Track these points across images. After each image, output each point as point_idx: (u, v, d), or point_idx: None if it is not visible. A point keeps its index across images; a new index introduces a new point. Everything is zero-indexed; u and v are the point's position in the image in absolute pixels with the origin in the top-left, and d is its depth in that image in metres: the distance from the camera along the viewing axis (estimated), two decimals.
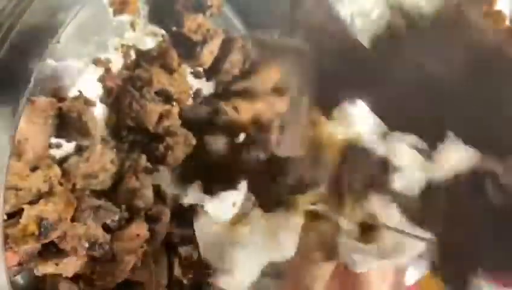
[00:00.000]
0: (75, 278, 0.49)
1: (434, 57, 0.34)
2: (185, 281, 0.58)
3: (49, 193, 0.44)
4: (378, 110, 0.41)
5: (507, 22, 1.17)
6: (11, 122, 0.36)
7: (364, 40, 0.56)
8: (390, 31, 0.34)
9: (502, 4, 1.15)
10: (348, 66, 0.40)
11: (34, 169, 0.43)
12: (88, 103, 0.47)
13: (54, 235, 0.44)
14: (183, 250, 0.57)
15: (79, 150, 0.48)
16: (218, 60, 0.57)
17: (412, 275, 0.57)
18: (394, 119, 0.44)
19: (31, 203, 0.43)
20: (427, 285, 0.65)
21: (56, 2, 0.37)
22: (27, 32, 0.36)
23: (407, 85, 0.39)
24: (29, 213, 0.42)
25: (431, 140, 0.41)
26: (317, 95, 0.44)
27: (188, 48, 0.55)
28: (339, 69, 0.41)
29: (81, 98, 0.47)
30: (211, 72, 0.57)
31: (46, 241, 0.44)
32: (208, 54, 0.55)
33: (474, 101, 0.34)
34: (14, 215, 0.42)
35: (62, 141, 0.47)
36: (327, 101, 0.45)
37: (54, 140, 0.47)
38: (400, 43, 0.36)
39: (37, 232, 0.43)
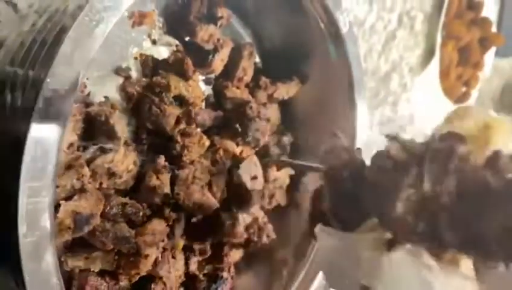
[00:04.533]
0: (101, 273, 0.52)
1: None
2: (200, 276, 0.62)
3: (82, 190, 0.47)
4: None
5: (493, 29, 1.23)
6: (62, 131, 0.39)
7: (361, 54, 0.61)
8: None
9: (487, 11, 1.22)
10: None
11: (68, 168, 0.47)
12: (114, 107, 0.50)
13: (86, 230, 0.47)
14: (197, 246, 0.61)
15: (104, 152, 0.52)
16: (230, 65, 0.62)
17: None
18: None
19: (66, 199, 0.46)
20: None
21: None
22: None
23: None
24: (65, 208, 0.45)
25: None
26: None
27: (200, 57, 0.59)
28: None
29: (107, 102, 0.51)
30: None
31: (80, 234, 0.47)
32: (219, 62, 0.59)
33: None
34: None
35: (88, 143, 0.51)
36: None
37: (80, 142, 0.50)
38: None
39: (72, 227, 0.46)
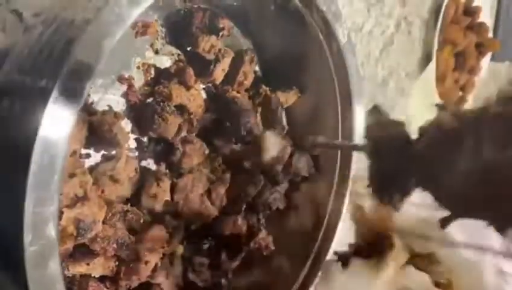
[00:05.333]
0: (101, 278, 0.53)
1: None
2: (198, 283, 0.63)
3: (84, 198, 0.48)
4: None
5: (489, 34, 1.24)
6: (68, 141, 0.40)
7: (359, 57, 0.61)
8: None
9: (484, 17, 1.23)
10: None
11: (71, 176, 0.47)
12: (117, 116, 0.51)
13: (89, 236, 0.48)
14: (197, 260, 0.62)
15: (106, 159, 0.53)
16: (231, 74, 0.63)
17: None
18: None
19: (69, 206, 0.47)
20: None
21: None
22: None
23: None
24: (68, 215, 0.46)
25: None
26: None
27: (202, 66, 0.60)
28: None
29: (110, 112, 0.51)
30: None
31: (83, 241, 0.48)
32: (220, 71, 0.60)
33: None
34: None
35: (91, 151, 0.52)
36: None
37: (83, 150, 0.51)
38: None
39: (75, 233, 0.47)
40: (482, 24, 1.27)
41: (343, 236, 0.69)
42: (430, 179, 0.35)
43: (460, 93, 1.28)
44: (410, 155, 0.37)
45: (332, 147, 0.65)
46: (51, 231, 0.40)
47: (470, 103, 1.30)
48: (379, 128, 0.41)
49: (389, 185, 0.39)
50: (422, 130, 0.38)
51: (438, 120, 0.36)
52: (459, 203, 0.33)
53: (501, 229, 0.32)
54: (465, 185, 0.32)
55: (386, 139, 0.39)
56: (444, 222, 0.35)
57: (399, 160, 0.38)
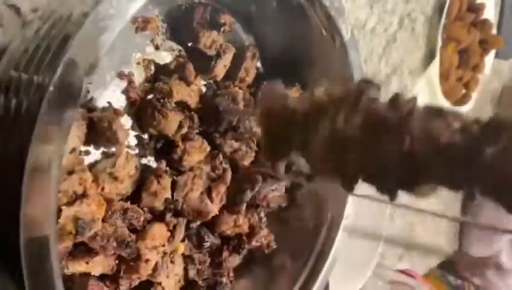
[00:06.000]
0: (101, 277, 0.52)
1: None
2: (200, 282, 0.62)
3: (84, 195, 0.47)
4: None
5: (493, 31, 1.23)
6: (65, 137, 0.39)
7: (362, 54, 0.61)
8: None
9: (488, 14, 1.22)
10: None
11: (70, 173, 0.47)
12: (117, 113, 0.50)
13: (88, 235, 0.47)
14: (198, 259, 0.61)
15: (106, 156, 0.52)
16: (232, 70, 0.62)
17: None
18: None
19: (68, 204, 0.46)
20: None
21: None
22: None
23: None
24: (67, 213, 0.45)
25: None
26: None
27: (203, 62, 0.59)
28: None
29: (110, 108, 0.51)
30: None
31: (82, 239, 0.47)
32: (221, 67, 0.60)
33: None
34: None
35: (90, 148, 0.51)
36: None
37: (83, 147, 0.50)
38: None
39: (73, 231, 0.46)
40: (486, 21, 1.26)
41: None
42: (304, 146, 0.40)
43: (464, 90, 1.27)
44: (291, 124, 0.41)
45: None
46: (49, 229, 0.39)
47: (473, 101, 1.29)
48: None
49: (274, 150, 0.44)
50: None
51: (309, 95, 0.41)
52: (319, 166, 0.39)
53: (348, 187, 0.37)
54: (322, 149, 0.38)
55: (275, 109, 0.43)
56: (308, 179, 0.41)
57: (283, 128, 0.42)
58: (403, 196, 0.36)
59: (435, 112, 0.33)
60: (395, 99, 0.35)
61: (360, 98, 0.36)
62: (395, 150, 0.33)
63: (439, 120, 0.32)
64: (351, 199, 0.67)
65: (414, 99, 0.35)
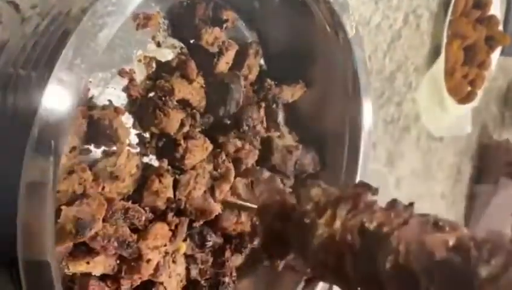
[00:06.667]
0: (102, 277, 0.51)
1: None
2: (202, 282, 0.61)
3: (84, 195, 0.47)
4: None
5: (500, 27, 1.22)
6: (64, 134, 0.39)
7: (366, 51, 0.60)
8: None
9: (494, 10, 1.21)
10: None
11: (70, 172, 0.46)
12: (117, 111, 0.50)
13: (88, 235, 0.47)
14: (199, 255, 0.61)
15: (107, 155, 0.51)
16: (234, 67, 0.61)
17: None
18: None
19: (68, 204, 0.45)
20: None
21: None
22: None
23: None
24: (67, 213, 0.45)
25: None
26: None
27: (205, 60, 0.58)
28: None
29: (111, 106, 0.50)
30: None
31: (82, 239, 0.46)
32: (224, 65, 0.59)
33: None
34: None
35: (91, 147, 0.51)
36: None
37: (83, 146, 0.49)
38: None
39: (73, 231, 0.46)
40: (492, 17, 1.25)
41: None
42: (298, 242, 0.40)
43: (469, 88, 1.25)
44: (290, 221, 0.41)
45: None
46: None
47: (478, 98, 1.28)
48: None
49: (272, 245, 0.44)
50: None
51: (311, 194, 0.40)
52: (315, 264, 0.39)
53: None
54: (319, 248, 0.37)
55: (273, 204, 0.43)
56: (307, 282, 0.42)
57: (281, 224, 0.42)
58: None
59: (431, 223, 0.32)
60: (392, 205, 0.35)
61: (358, 202, 0.36)
62: (391, 261, 0.32)
63: (435, 234, 0.31)
64: None
65: (411, 207, 0.35)
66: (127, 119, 0.53)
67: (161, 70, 0.56)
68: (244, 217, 0.62)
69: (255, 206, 0.45)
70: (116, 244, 0.50)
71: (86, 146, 0.50)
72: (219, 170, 0.59)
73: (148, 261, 0.52)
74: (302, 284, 0.63)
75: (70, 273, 0.49)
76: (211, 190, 0.58)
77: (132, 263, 0.52)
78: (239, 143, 0.61)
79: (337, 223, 0.36)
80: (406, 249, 0.32)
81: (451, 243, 0.30)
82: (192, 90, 0.56)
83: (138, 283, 0.53)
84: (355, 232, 0.35)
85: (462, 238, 0.30)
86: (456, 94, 1.21)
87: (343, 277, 0.36)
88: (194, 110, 0.56)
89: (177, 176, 0.56)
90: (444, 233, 0.31)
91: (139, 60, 0.55)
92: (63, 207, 0.45)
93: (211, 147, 0.58)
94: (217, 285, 0.61)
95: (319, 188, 0.40)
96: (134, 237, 0.51)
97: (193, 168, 0.57)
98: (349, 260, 0.35)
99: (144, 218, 0.52)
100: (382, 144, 1.05)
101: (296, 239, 0.40)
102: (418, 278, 0.31)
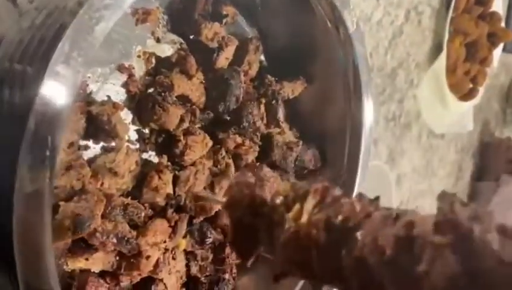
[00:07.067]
0: (101, 274, 0.51)
1: None
2: (202, 279, 0.61)
3: (82, 191, 0.47)
4: None
5: (502, 23, 1.21)
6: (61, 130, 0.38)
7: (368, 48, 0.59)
8: None
9: (496, 7, 1.20)
10: None
11: (68, 168, 0.46)
12: (116, 106, 0.49)
13: (86, 231, 0.46)
14: (199, 252, 0.60)
15: (106, 151, 0.51)
16: (234, 63, 0.61)
17: None
18: None
19: (66, 200, 0.45)
20: None
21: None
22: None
23: None
24: (65, 209, 0.44)
25: None
26: None
27: (204, 55, 0.58)
28: None
29: (109, 102, 0.50)
30: None
31: (80, 236, 0.46)
32: (224, 60, 0.59)
33: None
34: None
35: (89, 143, 0.50)
36: None
37: (82, 142, 0.49)
38: None
39: (72, 228, 0.45)
40: (494, 13, 1.25)
41: None
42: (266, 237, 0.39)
43: (471, 84, 1.25)
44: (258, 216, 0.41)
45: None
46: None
47: (480, 95, 1.27)
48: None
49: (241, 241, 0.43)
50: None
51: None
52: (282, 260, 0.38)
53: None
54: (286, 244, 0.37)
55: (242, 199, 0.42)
56: (275, 278, 0.40)
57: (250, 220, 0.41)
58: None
59: (393, 216, 0.32)
60: (359, 199, 0.35)
61: (325, 196, 0.36)
62: (351, 255, 0.32)
63: (390, 227, 0.31)
64: None
65: (377, 200, 0.34)
66: (126, 115, 0.53)
67: (160, 66, 0.55)
68: None
69: (223, 200, 0.43)
70: (115, 240, 0.49)
71: (85, 142, 0.50)
72: (219, 166, 0.59)
73: (148, 257, 0.52)
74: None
75: (69, 270, 0.49)
76: (211, 186, 0.58)
77: (131, 260, 0.51)
78: (239, 139, 0.60)
79: (304, 218, 0.36)
80: (364, 244, 0.31)
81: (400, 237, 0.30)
82: (192, 86, 0.55)
83: (138, 280, 0.53)
84: (321, 226, 0.34)
85: (409, 233, 0.30)
86: (457, 91, 1.20)
87: (310, 273, 0.35)
88: (194, 106, 0.56)
89: (176, 172, 0.56)
90: (399, 227, 0.31)
91: (139, 56, 0.54)
92: (61, 203, 0.44)
93: (210, 143, 0.57)
94: (217, 282, 0.61)
95: (288, 182, 0.40)
96: (134, 233, 0.51)
97: (193, 164, 0.57)
98: (315, 255, 0.34)
99: (143, 214, 0.52)
100: (383, 141, 1.05)
101: (265, 234, 0.39)
102: (373, 273, 0.30)
